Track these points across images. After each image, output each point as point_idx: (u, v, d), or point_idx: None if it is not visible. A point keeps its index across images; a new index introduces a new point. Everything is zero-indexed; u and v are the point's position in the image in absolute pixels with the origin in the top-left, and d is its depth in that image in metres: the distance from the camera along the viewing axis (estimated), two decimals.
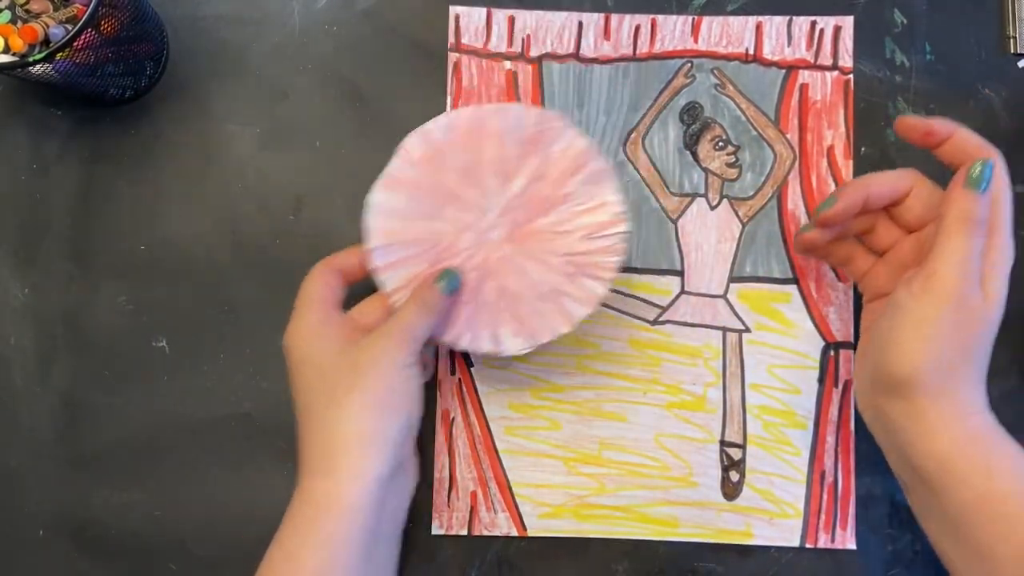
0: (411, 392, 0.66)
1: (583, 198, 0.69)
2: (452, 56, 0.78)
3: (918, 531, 0.71)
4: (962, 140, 0.64)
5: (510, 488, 0.75)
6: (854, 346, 0.75)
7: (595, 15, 0.78)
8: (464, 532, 0.75)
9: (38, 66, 0.65)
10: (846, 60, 0.77)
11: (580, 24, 0.78)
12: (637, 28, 0.78)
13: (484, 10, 0.78)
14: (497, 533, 0.75)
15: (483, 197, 0.69)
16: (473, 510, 0.75)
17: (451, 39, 0.78)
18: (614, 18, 0.78)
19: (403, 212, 0.69)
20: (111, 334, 0.76)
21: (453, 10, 0.78)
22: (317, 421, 0.65)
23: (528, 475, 0.75)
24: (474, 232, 0.69)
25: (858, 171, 0.76)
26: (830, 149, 0.77)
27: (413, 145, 0.69)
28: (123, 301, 0.76)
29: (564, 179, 0.69)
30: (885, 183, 0.66)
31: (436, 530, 0.74)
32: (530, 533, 0.75)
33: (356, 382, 0.64)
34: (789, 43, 0.77)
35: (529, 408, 0.76)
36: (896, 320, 0.63)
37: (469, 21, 0.78)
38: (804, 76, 0.77)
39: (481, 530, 0.75)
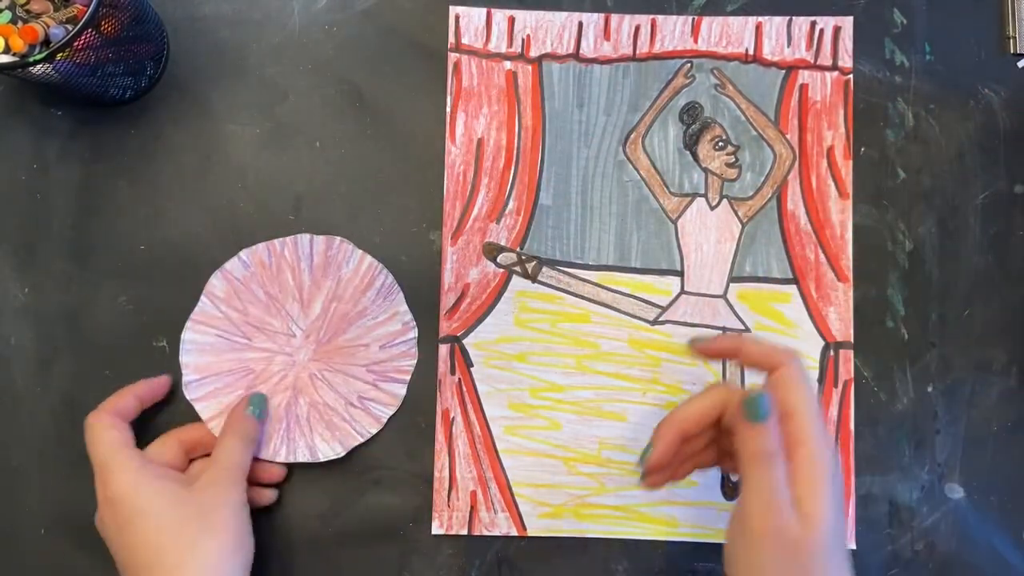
0: (248, 529, 0.69)
1: (376, 312, 0.76)
2: (452, 56, 0.78)
3: (917, 531, 0.73)
4: (748, 355, 0.65)
5: (510, 488, 0.75)
6: (854, 346, 0.75)
7: (595, 15, 0.78)
8: (464, 532, 0.75)
9: (38, 66, 0.65)
10: (846, 60, 0.77)
11: (580, 24, 0.78)
12: (637, 28, 0.78)
13: (484, 10, 0.78)
14: (497, 533, 0.75)
15: (287, 323, 0.75)
16: (473, 510, 0.75)
17: (451, 39, 0.78)
18: (614, 18, 0.78)
19: (214, 347, 0.75)
20: (111, 334, 0.76)
21: (453, 10, 0.78)
22: (166, 573, 0.65)
23: (528, 475, 0.75)
24: (283, 355, 0.76)
25: (858, 171, 0.77)
26: (830, 149, 0.77)
27: (216, 286, 0.75)
28: (123, 301, 0.76)
29: (358, 296, 0.76)
30: (692, 417, 0.65)
31: (436, 530, 0.75)
32: (530, 533, 0.75)
33: (204, 528, 0.66)
34: (789, 43, 0.78)
35: (529, 408, 0.76)
36: (729, 564, 0.62)
37: (469, 21, 0.78)
38: (804, 76, 0.78)
39: (481, 530, 0.75)
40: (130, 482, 0.67)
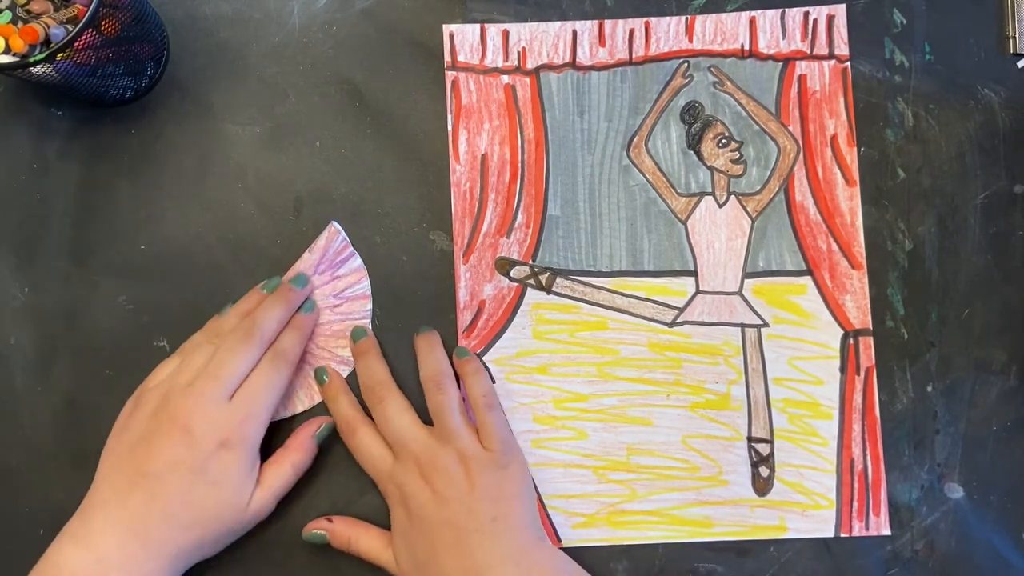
0: None
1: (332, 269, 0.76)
2: (449, 75, 0.77)
3: (917, 531, 0.72)
4: (420, 363, 0.73)
5: (542, 501, 0.73)
6: (873, 332, 0.75)
7: (588, 23, 0.77)
8: None
9: (39, 67, 0.64)
10: (842, 48, 0.77)
11: (574, 32, 0.77)
12: (631, 32, 0.78)
13: (478, 26, 0.77)
14: None
15: None
16: None
17: (447, 58, 0.77)
18: (607, 24, 0.78)
19: None
20: (111, 334, 0.75)
21: (447, 28, 0.77)
22: (152, 536, 0.64)
23: (559, 487, 0.73)
24: None
25: (862, 162, 0.76)
26: (833, 138, 0.77)
27: None
28: (123, 301, 0.75)
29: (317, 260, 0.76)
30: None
31: None
32: (564, 544, 0.73)
33: (220, 542, 0.68)
34: (784, 35, 0.78)
35: (554, 420, 0.74)
36: None
37: (463, 38, 0.77)
38: (801, 67, 0.77)
39: None
40: (248, 468, 0.67)
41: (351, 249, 0.75)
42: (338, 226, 0.75)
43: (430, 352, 0.72)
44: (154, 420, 0.66)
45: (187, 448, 0.64)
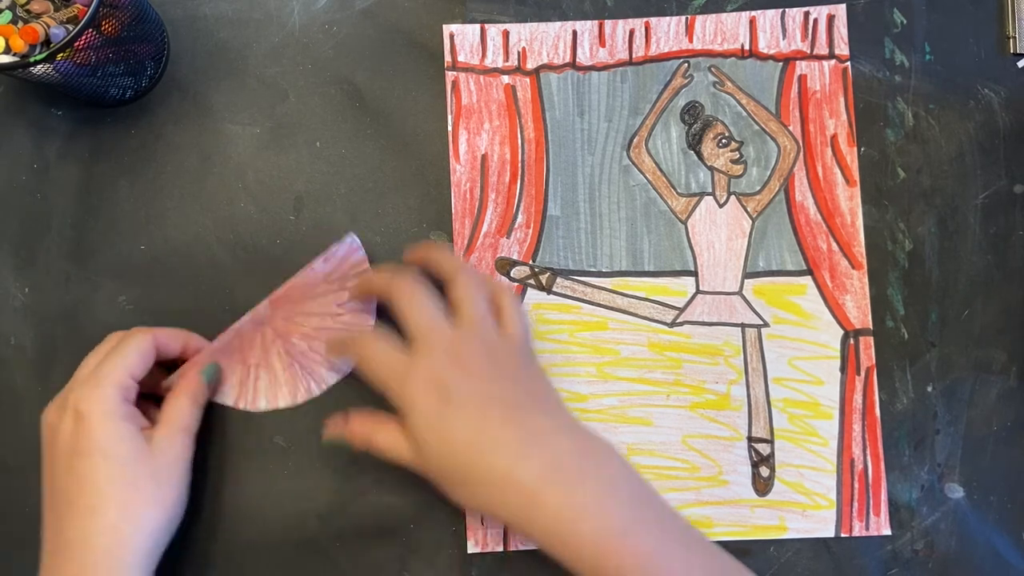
0: (187, 489, 0.67)
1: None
2: (449, 75, 0.77)
3: (917, 531, 0.72)
4: (435, 262, 0.70)
5: None
6: (873, 332, 0.75)
7: (588, 23, 0.77)
8: (500, 549, 0.72)
9: (39, 67, 0.64)
10: (842, 48, 0.77)
11: (575, 32, 0.77)
12: (631, 32, 0.77)
13: (478, 27, 0.77)
14: (533, 547, 0.69)
15: None
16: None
17: (447, 58, 0.77)
18: (607, 24, 0.77)
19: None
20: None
21: (447, 28, 0.77)
22: (101, 526, 0.62)
23: None
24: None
25: (863, 161, 0.76)
26: (833, 138, 0.77)
27: None
28: (123, 301, 0.75)
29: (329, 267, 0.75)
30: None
31: (472, 548, 0.72)
32: None
33: (152, 497, 0.64)
34: (784, 35, 0.78)
35: None
36: None
37: (464, 39, 0.77)
38: (801, 67, 0.77)
39: (516, 545, 0.72)
40: (104, 409, 0.64)
41: (368, 266, 0.74)
42: (358, 242, 0.73)
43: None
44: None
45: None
